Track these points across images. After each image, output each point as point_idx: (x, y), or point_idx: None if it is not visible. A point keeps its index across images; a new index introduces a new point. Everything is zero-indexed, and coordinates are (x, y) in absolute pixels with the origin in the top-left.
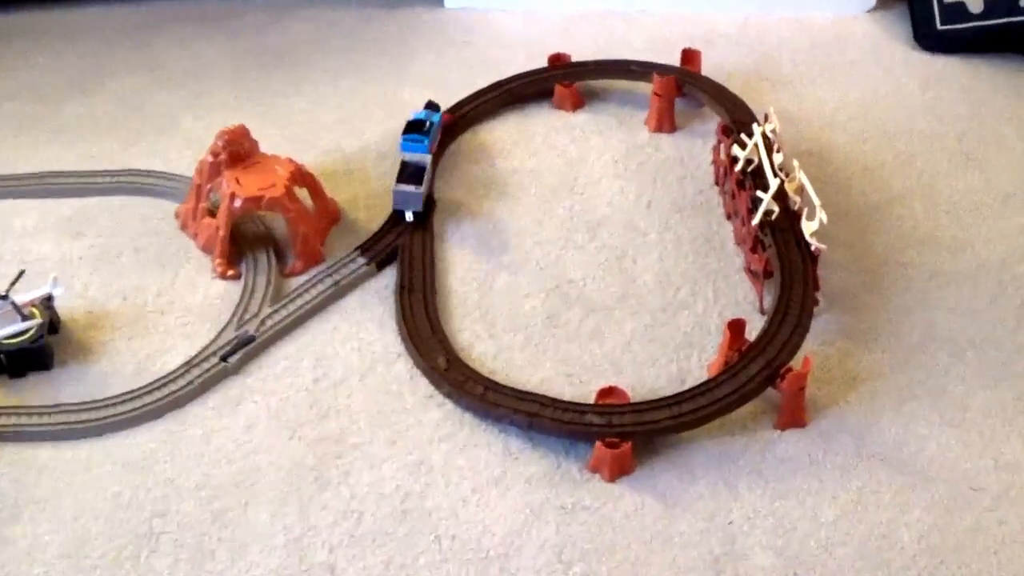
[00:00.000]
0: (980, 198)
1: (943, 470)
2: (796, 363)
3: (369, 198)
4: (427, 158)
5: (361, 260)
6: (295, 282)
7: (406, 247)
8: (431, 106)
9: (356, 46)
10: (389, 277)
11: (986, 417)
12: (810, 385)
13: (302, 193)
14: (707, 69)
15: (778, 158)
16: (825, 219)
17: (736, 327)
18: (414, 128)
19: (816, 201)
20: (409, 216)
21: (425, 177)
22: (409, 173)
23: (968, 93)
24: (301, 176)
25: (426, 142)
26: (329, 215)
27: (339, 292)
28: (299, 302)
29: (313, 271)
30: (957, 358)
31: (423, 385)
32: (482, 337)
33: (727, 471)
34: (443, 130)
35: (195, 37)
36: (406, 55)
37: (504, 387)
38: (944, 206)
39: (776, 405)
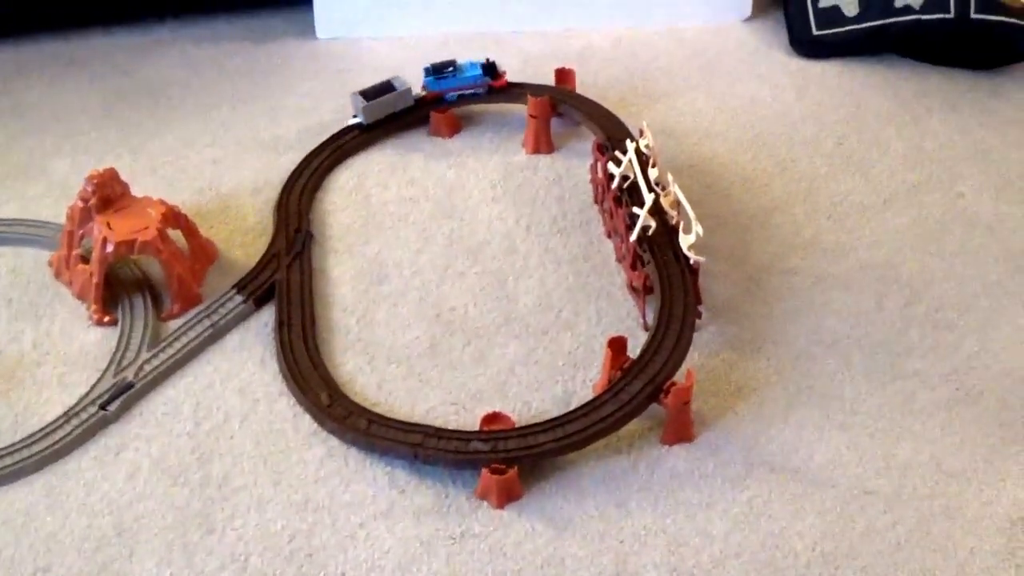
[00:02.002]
0: (862, 201)
1: (835, 475)
2: (680, 377)
3: (246, 234)
4: (411, 93)
5: (238, 298)
6: (173, 325)
7: (284, 283)
8: (489, 65)
9: (227, 81)
10: (269, 314)
11: (876, 419)
12: (696, 398)
13: (176, 234)
14: (582, 87)
15: (653, 173)
16: (701, 231)
17: (617, 344)
18: (438, 70)
19: (691, 214)
20: (352, 120)
21: (393, 99)
22: (381, 89)
23: (847, 96)
24: (174, 217)
25: (448, 81)
26: (205, 255)
27: (218, 332)
28: (177, 345)
29: (191, 313)
30: (844, 362)
31: (306, 422)
32: (364, 370)
33: (616, 490)
34: (489, 92)
35: (61, 78)
36: (279, 88)
37: (388, 419)
38: (826, 210)
39: (663, 421)
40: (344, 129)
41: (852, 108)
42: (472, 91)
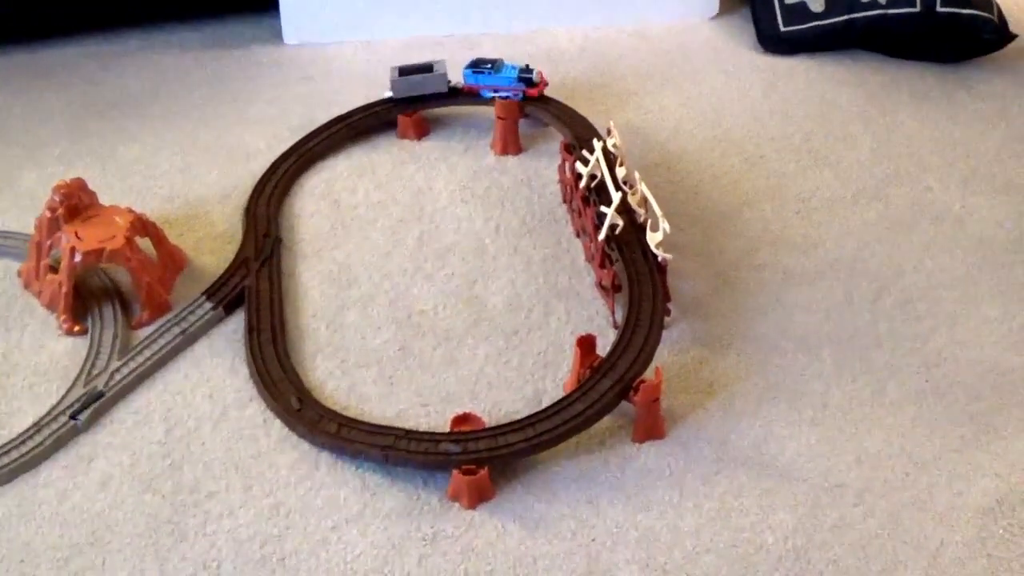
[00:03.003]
0: (830, 195)
1: (805, 469)
2: (650, 375)
3: (215, 241)
4: (446, 78)
5: (208, 305)
6: (143, 333)
7: (253, 288)
8: (526, 71)
9: (194, 90)
10: (238, 320)
11: (845, 413)
12: (666, 395)
13: (144, 242)
14: (550, 88)
15: (621, 172)
16: (668, 228)
17: (586, 343)
18: (477, 65)
19: (658, 211)
20: (386, 94)
21: (425, 80)
22: (419, 68)
23: (814, 92)
24: (142, 225)
25: (486, 78)
26: (174, 262)
27: (188, 340)
28: (147, 353)
29: (161, 320)
30: (814, 356)
31: (277, 427)
32: (335, 374)
33: (588, 488)
34: (524, 98)
35: (28, 89)
36: (245, 96)
37: (358, 422)
38: (794, 206)
39: (633, 419)
40: (330, 122)
41: (820, 103)
42: (507, 94)
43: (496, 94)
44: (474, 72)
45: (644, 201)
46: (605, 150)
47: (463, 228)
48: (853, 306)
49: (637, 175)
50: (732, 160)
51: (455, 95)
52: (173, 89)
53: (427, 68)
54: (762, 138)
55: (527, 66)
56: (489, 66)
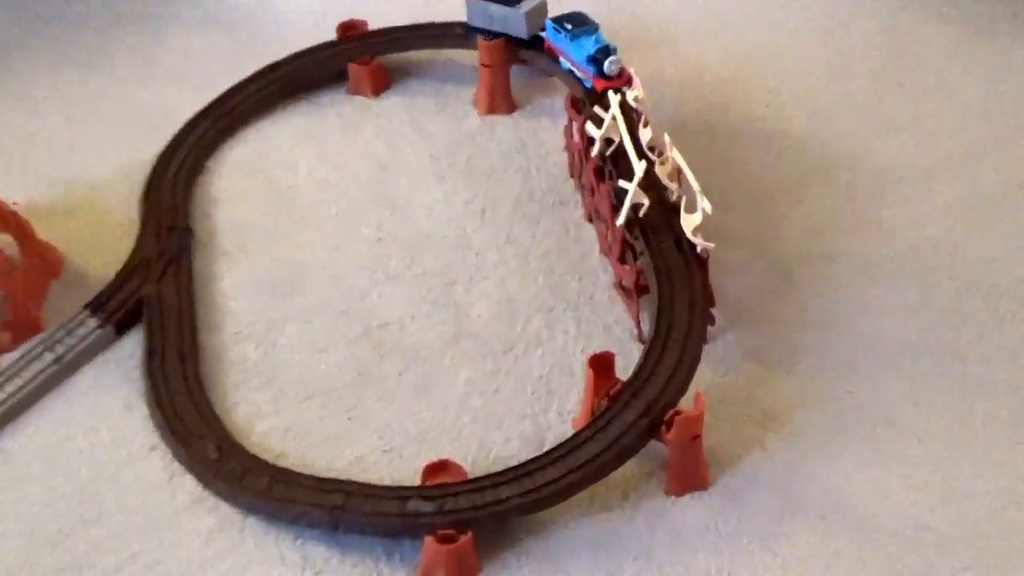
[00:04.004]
0: (911, 165)
1: (887, 520)
2: (687, 404)
3: (106, 235)
4: (525, 23)
5: (93, 322)
6: (7, 360)
7: (155, 298)
8: (603, 52)
9: (82, 32)
10: (135, 342)
11: (930, 442)
12: (709, 431)
13: (5, 239)
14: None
15: (646, 135)
16: (710, 209)
17: (601, 363)
18: (560, 22)
19: (696, 187)
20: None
21: (504, 15)
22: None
23: (899, 29)
24: (2, 219)
25: (562, 42)
26: (46, 267)
27: (66, 368)
28: (11, 388)
29: (29, 344)
30: (894, 372)
31: (188, 484)
32: (266, 410)
33: (607, 558)
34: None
35: None
36: (151, 44)
37: (298, 475)
38: (871, 179)
39: (666, 463)
40: (259, 72)
41: (906, 44)
42: (574, 74)
43: (566, 67)
44: (555, 30)
45: (677, 173)
46: (624, 106)
47: (438, 213)
48: (936, 307)
49: (667, 139)
50: (789, 121)
51: (533, 48)
52: (53, 32)
53: (514, 2)
54: (829, 91)
55: (608, 47)
56: (569, 27)
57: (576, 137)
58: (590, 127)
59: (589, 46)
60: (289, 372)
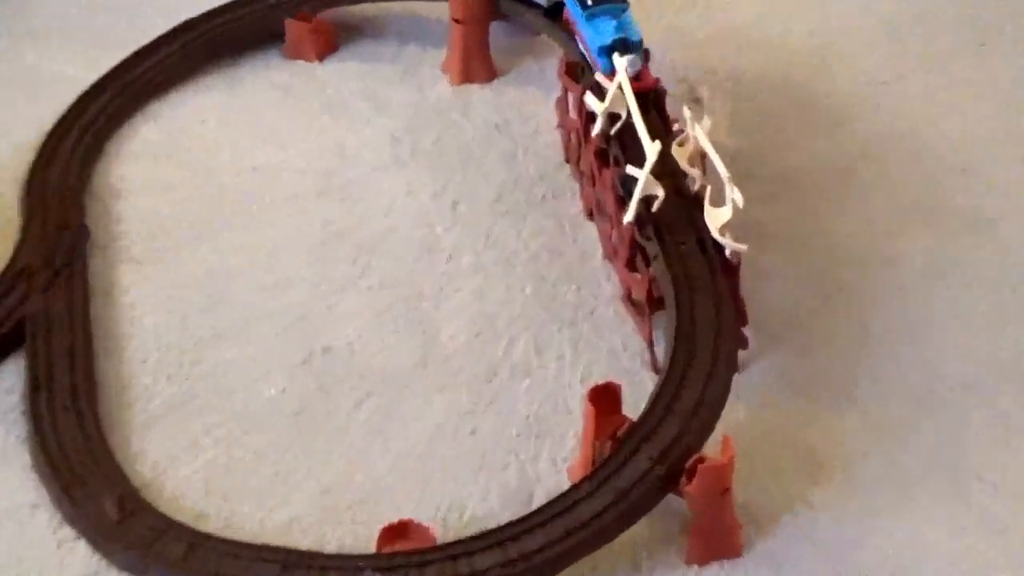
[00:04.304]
0: (997, 137)
1: None
2: (713, 449)
3: None
4: None
5: None
6: None
7: (40, 317)
8: (626, 45)
9: None
10: (14, 372)
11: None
12: (741, 483)
13: None
14: None
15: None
16: (741, 201)
17: (604, 397)
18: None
19: (724, 173)
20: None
21: None
22: None
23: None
24: None
25: (576, 14)
26: None
27: None
28: None
29: None
30: (979, 406)
31: (81, 552)
32: (182, 458)
33: None
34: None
35: None
36: None
37: (224, 541)
38: (946, 156)
39: (687, 523)
40: (174, 31)
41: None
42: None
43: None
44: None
45: (700, 157)
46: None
47: (400, 207)
48: None
49: (688, 113)
50: (841, 84)
51: (551, 17)
52: None
53: None
54: (891, 52)
55: (627, 39)
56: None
57: (573, 112)
58: (590, 99)
59: (607, 32)
60: (211, 409)
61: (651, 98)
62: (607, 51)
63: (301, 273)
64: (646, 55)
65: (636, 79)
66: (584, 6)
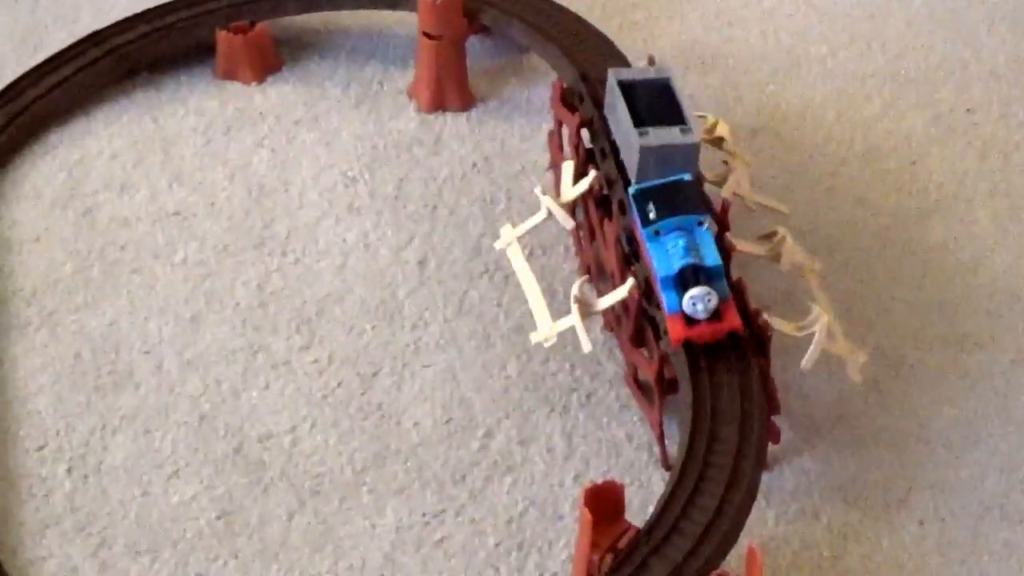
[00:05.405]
0: None
1: None
2: (737, 565)
3: None
4: None
5: None
6: None
7: None
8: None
9: None
10: None
11: None
12: None
13: None
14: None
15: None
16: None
17: (604, 500)
18: None
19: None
20: None
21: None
22: None
23: None
24: None
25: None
26: None
27: None
28: None
29: None
30: None
31: None
32: (84, 570)
33: None
34: None
35: None
36: None
37: None
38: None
39: None
40: (79, 43)
41: None
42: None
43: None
44: (636, 201)
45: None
46: None
47: (353, 265)
48: None
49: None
50: (903, 120)
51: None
52: None
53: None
54: (964, 75)
55: (700, 266)
56: (653, 209)
57: (569, 147)
58: (589, 134)
59: (676, 255)
60: (118, 511)
61: None
62: (674, 282)
63: (230, 344)
64: (731, 284)
65: (714, 318)
66: (645, 219)
